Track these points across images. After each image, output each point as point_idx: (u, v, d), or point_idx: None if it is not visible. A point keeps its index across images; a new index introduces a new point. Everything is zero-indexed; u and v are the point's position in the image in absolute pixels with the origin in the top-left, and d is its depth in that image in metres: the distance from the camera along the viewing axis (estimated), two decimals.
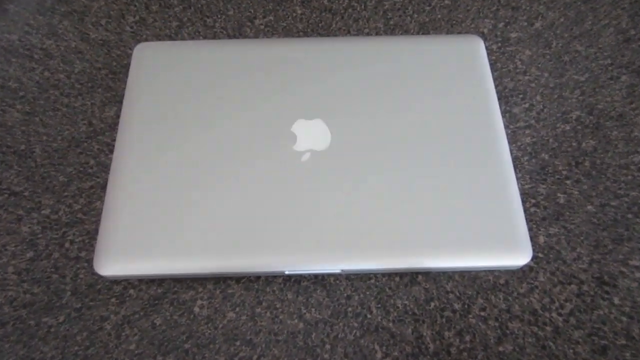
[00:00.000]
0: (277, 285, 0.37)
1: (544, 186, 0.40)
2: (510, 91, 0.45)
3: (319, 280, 0.37)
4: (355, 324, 0.35)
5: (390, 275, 0.37)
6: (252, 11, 0.48)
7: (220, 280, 0.37)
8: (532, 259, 0.36)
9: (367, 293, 0.36)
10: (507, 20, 0.47)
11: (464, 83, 0.38)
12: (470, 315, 0.35)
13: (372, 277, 0.37)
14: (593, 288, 0.36)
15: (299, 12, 0.47)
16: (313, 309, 0.35)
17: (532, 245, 0.37)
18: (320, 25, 0.46)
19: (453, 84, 0.38)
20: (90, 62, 0.46)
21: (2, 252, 0.37)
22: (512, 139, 0.42)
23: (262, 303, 0.36)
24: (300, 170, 0.35)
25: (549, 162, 0.41)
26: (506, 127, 0.43)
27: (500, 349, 0.34)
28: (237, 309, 0.36)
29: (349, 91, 0.38)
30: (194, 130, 0.37)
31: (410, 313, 0.35)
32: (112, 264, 0.32)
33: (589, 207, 0.39)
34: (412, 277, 0.37)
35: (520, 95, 0.44)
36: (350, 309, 0.36)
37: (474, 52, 0.39)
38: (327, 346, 0.34)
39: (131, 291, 0.36)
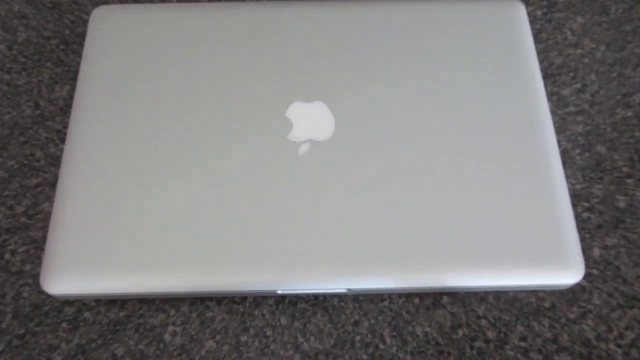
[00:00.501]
0: (267, 307, 0.37)
1: (599, 186, 0.40)
2: (558, 68, 0.45)
3: (320, 301, 0.37)
4: (365, 357, 0.35)
5: (409, 296, 0.37)
6: None
7: (198, 301, 0.37)
8: (584, 277, 0.35)
9: (380, 318, 0.36)
10: None
11: (501, 58, 0.38)
12: (508, 347, 0.35)
13: (385, 299, 0.37)
14: None
15: None
16: (312, 338, 0.35)
17: (585, 260, 0.36)
18: None
19: (487, 59, 0.38)
20: (37, 29, 0.46)
21: None
22: (561, 128, 0.43)
23: (249, 330, 0.36)
24: (296, 165, 0.35)
25: (606, 157, 0.41)
26: (552, 112, 0.43)
27: None
28: (218, 337, 0.36)
29: (358, 67, 0.38)
30: (165, 116, 0.37)
31: (432, 343, 0.35)
32: (63, 280, 0.32)
33: None
34: (435, 298, 0.37)
35: (571, 74, 0.44)
36: (358, 337, 0.36)
37: (512, 19, 0.40)
38: None
39: (87, 314, 0.36)
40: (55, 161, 0.41)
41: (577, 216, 0.39)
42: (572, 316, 0.36)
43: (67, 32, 0.46)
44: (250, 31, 0.39)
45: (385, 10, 0.40)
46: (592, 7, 0.47)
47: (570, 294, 0.37)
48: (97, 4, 0.46)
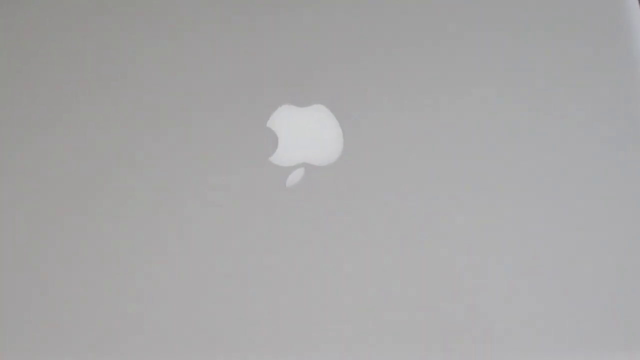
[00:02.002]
0: None
1: None
2: None
3: None
4: None
5: None
6: None
7: None
8: None
9: None
10: None
11: (598, 50, 0.34)
12: None
13: None
14: None
15: None
16: None
17: None
18: None
19: (576, 51, 0.34)
20: None
21: None
22: None
23: None
24: (282, 205, 0.31)
25: None
26: None
27: None
28: None
29: (375, 53, 0.34)
30: (85, 123, 0.33)
31: None
32: None
33: None
34: None
35: None
36: None
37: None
38: None
39: None
40: None
41: None
42: None
43: None
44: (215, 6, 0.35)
45: None
46: None
47: None
48: None
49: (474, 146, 0.31)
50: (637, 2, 0.36)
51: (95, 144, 0.32)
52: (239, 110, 0.32)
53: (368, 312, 0.29)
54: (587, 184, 0.31)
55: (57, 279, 0.30)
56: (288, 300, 0.29)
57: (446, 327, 0.29)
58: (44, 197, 0.32)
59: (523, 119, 0.32)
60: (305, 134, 0.32)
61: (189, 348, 0.29)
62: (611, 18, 0.35)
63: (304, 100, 0.33)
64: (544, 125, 0.32)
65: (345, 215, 0.30)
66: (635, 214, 0.31)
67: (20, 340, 0.29)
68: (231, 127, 0.32)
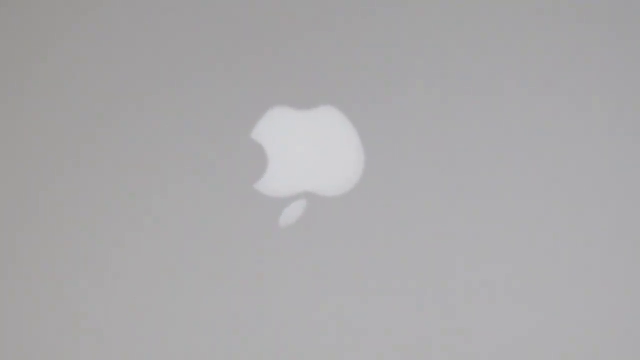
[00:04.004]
0: None
1: None
2: None
3: None
4: None
5: None
6: None
7: None
8: None
9: None
10: None
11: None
12: None
13: None
14: None
15: None
16: None
17: None
18: None
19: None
20: None
21: None
22: None
23: None
24: (275, 252, 0.27)
25: None
26: None
27: None
28: None
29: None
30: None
31: None
32: None
33: None
34: None
35: None
36: None
37: None
38: None
39: None
40: None
41: None
42: None
43: None
44: None
45: None
46: None
47: None
48: None
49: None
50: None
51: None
52: (220, 116, 0.27)
53: None
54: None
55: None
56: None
57: None
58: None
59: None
60: (307, 149, 0.25)
61: None
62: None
63: (305, 100, 0.26)
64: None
65: (364, 267, 0.25)
66: None
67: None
68: (209, 142, 0.26)
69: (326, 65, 0.26)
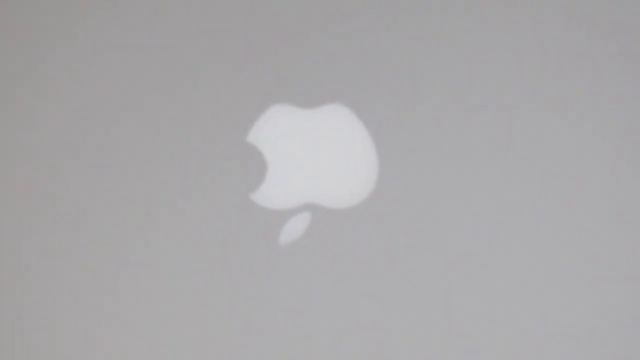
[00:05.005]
0: None
1: None
2: None
3: None
4: None
5: None
6: None
7: None
8: None
9: None
10: None
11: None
12: None
13: None
14: None
15: None
16: None
17: None
18: None
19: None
20: None
21: None
22: None
23: None
24: (279, 269, 0.25)
25: None
26: None
27: None
28: None
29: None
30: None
31: None
32: None
33: None
34: None
35: None
36: None
37: None
38: None
39: None
40: None
41: None
42: None
43: None
44: None
45: None
46: None
47: None
48: None
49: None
50: None
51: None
52: (213, 117, 0.25)
53: None
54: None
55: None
56: None
57: None
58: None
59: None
60: (311, 154, 0.23)
61: None
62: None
63: (310, 98, 0.24)
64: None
65: (375, 280, 0.23)
66: None
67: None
68: (201, 145, 0.25)
69: (333, 60, 0.25)
